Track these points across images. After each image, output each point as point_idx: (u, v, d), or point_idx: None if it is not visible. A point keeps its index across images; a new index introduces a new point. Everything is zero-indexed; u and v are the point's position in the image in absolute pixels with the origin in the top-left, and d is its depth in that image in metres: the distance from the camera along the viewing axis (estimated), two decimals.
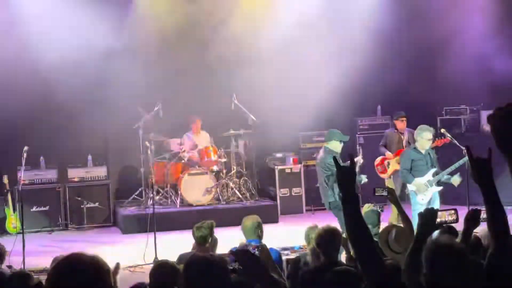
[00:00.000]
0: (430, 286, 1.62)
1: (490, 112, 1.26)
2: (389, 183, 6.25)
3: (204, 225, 4.29)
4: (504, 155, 1.25)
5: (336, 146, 5.38)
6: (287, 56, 7.29)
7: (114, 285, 2.94)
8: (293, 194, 7.68)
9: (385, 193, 3.49)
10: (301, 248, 5.34)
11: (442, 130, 6.41)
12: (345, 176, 1.62)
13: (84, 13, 6.83)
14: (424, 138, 5.53)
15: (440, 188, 5.53)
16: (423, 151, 5.50)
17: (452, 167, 5.53)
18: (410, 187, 5.46)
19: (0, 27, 6.84)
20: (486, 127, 7.21)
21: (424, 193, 5.44)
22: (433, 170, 5.54)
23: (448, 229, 2.80)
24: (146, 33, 7.06)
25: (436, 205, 5.35)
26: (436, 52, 7.66)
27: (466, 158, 5.16)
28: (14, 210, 6.73)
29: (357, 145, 6.82)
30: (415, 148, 5.61)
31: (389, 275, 1.62)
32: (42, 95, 6.88)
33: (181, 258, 3.86)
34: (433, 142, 5.69)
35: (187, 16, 7.07)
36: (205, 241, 4.25)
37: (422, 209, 3.88)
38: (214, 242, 4.42)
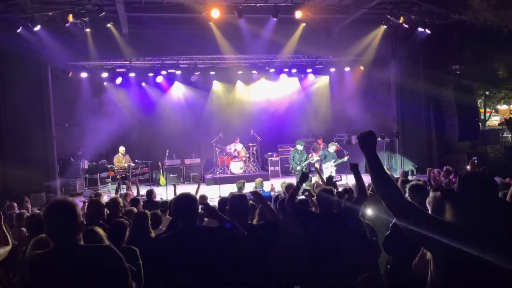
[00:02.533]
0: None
1: (357, 134, 2.29)
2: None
3: (241, 182, 8.93)
4: (363, 152, 2.20)
5: (300, 146, 12.41)
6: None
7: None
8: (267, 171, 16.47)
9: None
10: (273, 192, 9.85)
11: (336, 143, 15.54)
12: (365, 144, 2.20)
13: None
14: (330, 147, 13.62)
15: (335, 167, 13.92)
16: (331, 151, 12.94)
17: (339, 160, 12.96)
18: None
19: None
20: (355, 141, 16.72)
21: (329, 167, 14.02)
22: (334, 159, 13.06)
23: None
24: None
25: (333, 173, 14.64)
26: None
27: (344, 159, 12.60)
28: (163, 175, 15.65)
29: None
30: (328, 150, 13.86)
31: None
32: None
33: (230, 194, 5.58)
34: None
35: None
36: (240, 188, 8.67)
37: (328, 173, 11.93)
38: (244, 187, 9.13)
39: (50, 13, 10.89)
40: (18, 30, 10.90)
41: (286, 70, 16.51)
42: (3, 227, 3.36)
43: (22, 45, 11.22)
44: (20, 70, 12.07)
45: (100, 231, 2.88)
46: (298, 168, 12.43)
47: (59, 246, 2.23)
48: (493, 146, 17.11)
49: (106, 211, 4.42)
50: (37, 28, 10.90)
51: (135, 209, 5.09)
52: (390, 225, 3.86)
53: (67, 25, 10.94)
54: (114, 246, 2.72)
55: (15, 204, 6.27)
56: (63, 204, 2.28)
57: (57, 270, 2.14)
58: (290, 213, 4.21)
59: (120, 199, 5.15)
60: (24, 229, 4.57)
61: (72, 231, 2.24)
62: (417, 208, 2.05)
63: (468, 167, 7.02)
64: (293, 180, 10.76)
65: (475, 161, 6.98)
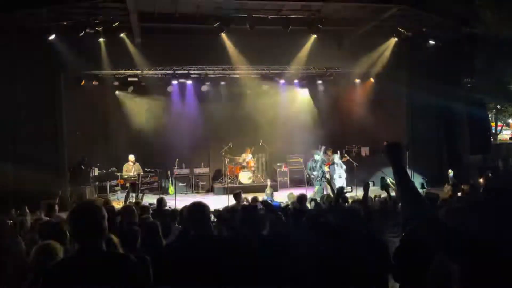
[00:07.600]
0: None
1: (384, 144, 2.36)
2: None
3: (237, 191, 8.80)
4: (389, 161, 2.24)
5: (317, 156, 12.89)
6: None
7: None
8: (276, 182, 16.65)
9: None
10: (282, 202, 9.85)
11: (345, 154, 15.60)
12: (391, 154, 2.21)
13: None
14: (336, 157, 14.51)
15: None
16: (337, 161, 13.47)
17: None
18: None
19: None
20: (364, 153, 16.69)
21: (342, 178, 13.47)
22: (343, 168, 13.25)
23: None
24: None
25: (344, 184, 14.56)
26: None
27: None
28: (172, 184, 15.77)
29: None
30: (334, 161, 14.07)
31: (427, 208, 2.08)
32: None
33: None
34: (341, 158, 15.02)
35: None
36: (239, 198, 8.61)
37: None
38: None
39: (65, 23, 11.06)
40: (33, 39, 11.07)
41: (296, 81, 16.54)
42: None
43: (36, 53, 11.38)
44: (33, 78, 12.23)
45: (114, 238, 2.89)
46: (315, 173, 12.54)
47: (85, 249, 2.25)
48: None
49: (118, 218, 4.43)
50: (52, 37, 11.07)
51: (151, 218, 5.10)
52: (400, 239, 3.84)
53: (81, 34, 11.09)
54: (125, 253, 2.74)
55: (27, 210, 6.32)
56: (90, 208, 2.31)
57: (81, 273, 2.16)
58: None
59: (133, 207, 5.17)
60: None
61: (98, 235, 2.26)
62: (441, 220, 2.08)
63: (481, 180, 6.96)
64: (301, 191, 10.77)
65: (490, 175, 6.92)
